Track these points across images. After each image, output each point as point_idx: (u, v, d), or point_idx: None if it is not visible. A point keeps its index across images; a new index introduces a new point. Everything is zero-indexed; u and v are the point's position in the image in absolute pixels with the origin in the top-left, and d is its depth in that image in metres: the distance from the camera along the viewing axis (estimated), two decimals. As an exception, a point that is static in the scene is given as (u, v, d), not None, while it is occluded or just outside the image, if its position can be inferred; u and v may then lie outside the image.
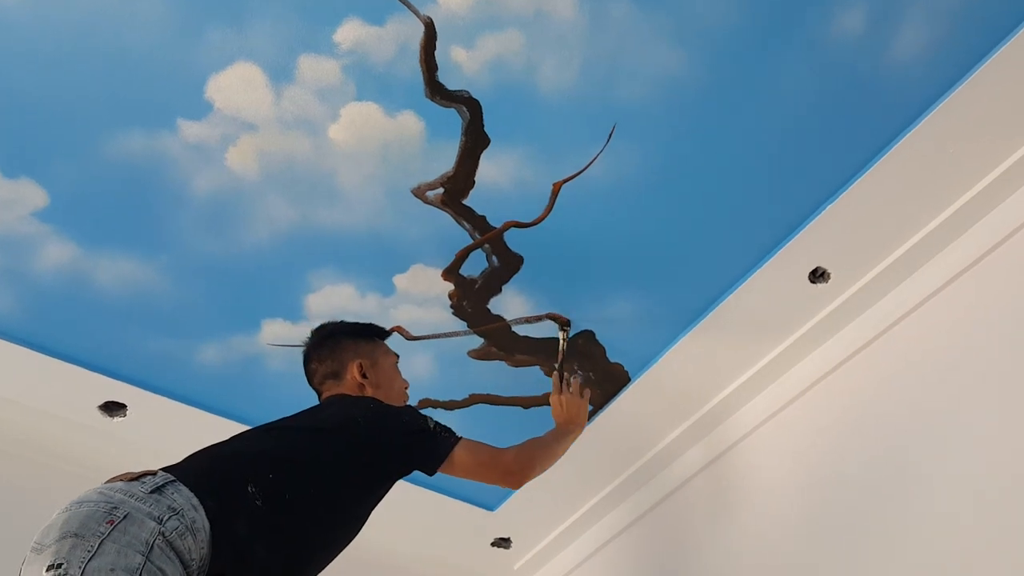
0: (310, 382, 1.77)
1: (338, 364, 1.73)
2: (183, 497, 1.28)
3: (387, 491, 1.60)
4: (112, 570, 1.15)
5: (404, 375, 1.85)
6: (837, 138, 1.70)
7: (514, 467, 1.67)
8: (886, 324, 1.92)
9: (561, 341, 2.05)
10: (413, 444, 1.57)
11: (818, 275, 1.92)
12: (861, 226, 1.83)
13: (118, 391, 2.15)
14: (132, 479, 1.30)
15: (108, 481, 1.31)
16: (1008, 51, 1.55)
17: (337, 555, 1.52)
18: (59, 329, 2.02)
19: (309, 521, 1.43)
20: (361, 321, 1.86)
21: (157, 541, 1.21)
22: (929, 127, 1.66)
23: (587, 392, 2.03)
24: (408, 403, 1.82)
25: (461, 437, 1.62)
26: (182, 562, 1.24)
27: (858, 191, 1.76)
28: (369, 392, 1.71)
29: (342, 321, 1.85)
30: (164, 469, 1.35)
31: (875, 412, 1.87)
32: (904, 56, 1.58)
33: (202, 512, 1.28)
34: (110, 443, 2.28)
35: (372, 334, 1.82)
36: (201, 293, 1.96)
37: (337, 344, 1.76)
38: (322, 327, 1.82)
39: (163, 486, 1.28)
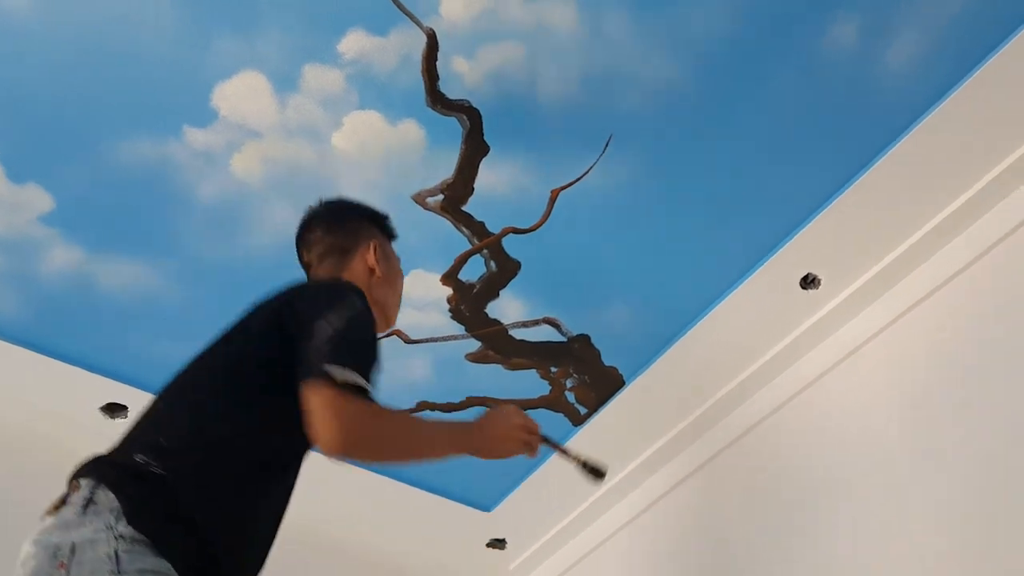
0: (304, 257, 1.49)
1: (350, 241, 1.45)
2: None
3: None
4: None
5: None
6: (829, 147, 1.74)
7: (353, 439, 1.14)
8: (876, 329, 1.95)
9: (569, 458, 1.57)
10: (295, 336, 1.21)
11: (809, 281, 1.96)
12: (852, 233, 1.87)
13: (120, 393, 2.18)
14: (57, 507, 1.13)
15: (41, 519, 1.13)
16: (995, 64, 1.59)
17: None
18: (64, 331, 2.05)
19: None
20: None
21: (120, 548, 1.04)
22: (918, 137, 1.70)
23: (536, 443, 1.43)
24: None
25: (340, 376, 1.13)
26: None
27: (849, 199, 1.80)
28: (375, 280, 1.43)
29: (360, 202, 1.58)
30: (83, 475, 1.16)
31: (864, 418, 1.91)
32: (894, 68, 1.62)
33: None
34: (111, 444, 2.30)
35: (386, 223, 1.56)
36: (205, 297, 1.99)
37: (358, 221, 1.49)
38: (335, 199, 1.55)
39: (92, 496, 1.10)
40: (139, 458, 1.14)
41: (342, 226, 1.48)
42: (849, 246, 1.90)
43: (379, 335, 1.32)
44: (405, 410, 1.58)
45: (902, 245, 1.88)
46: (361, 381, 1.14)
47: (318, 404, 1.12)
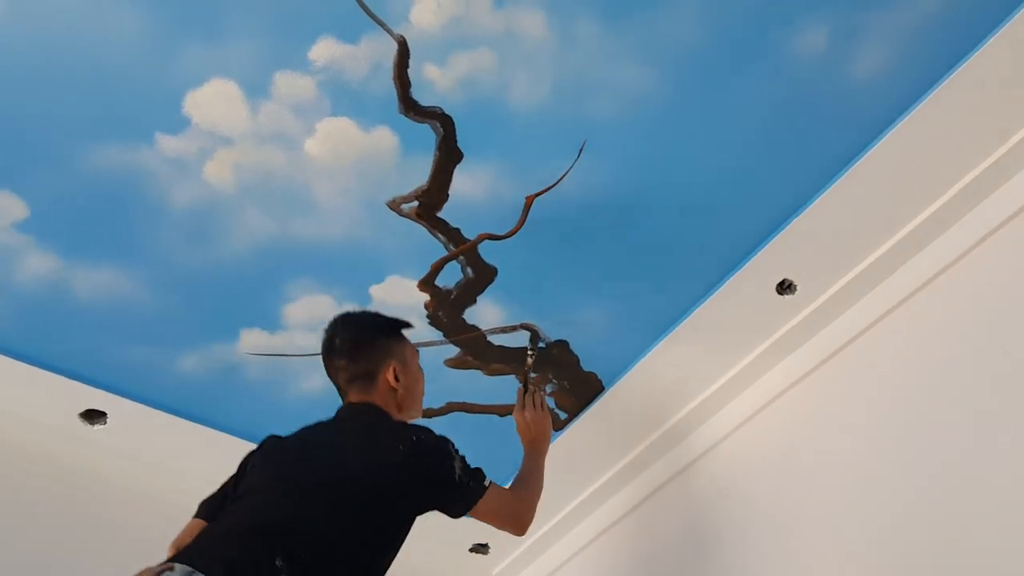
0: (333, 378, 1.70)
1: (372, 365, 1.66)
2: None
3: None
4: None
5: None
6: (802, 152, 1.74)
7: (527, 517, 1.70)
8: (852, 334, 1.96)
9: (529, 357, 2.08)
10: (443, 497, 1.56)
11: (785, 287, 1.97)
12: (827, 239, 1.87)
13: (98, 399, 2.17)
14: None
15: None
16: (967, 70, 1.60)
17: None
18: (40, 338, 2.04)
19: None
20: (382, 313, 1.80)
21: None
22: (892, 143, 1.70)
23: (546, 406, 2.00)
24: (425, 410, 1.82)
25: (488, 486, 1.60)
26: None
27: (823, 204, 1.80)
28: (399, 395, 1.67)
29: (374, 313, 1.79)
30: (180, 559, 1.31)
31: (841, 421, 1.92)
32: (866, 73, 1.62)
33: None
34: (91, 450, 2.30)
35: (400, 328, 1.76)
36: (180, 303, 1.99)
37: (373, 342, 1.69)
38: (352, 319, 1.74)
39: None
40: (279, 563, 1.32)
41: (363, 354, 1.68)
42: (826, 252, 1.90)
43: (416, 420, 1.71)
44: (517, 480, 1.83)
45: (879, 250, 1.90)
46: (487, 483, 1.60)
47: (498, 513, 1.63)
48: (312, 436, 1.61)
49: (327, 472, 1.47)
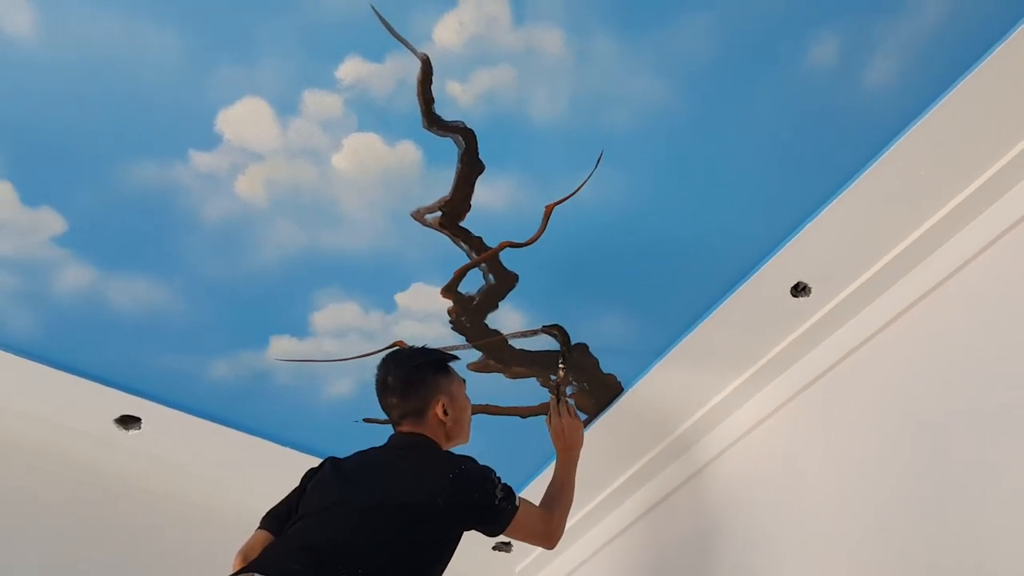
0: (387, 412, 1.82)
1: (422, 402, 1.79)
2: None
3: None
4: None
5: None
6: (816, 158, 1.78)
7: (557, 533, 1.81)
8: (867, 334, 1.99)
9: (560, 367, 2.14)
10: (482, 519, 1.69)
11: (800, 289, 2.01)
12: (841, 242, 1.91)
13: (133, 405, 2.24)
14: None
15: None
16: (977, 76, 1.62)
17: None
18: (77, 347, 2.12)
19: None
20: (428, 347, 1.94)
21: None
22: (904, 148, 1.73)
23: (576, 413, 2.10)
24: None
25: (519, 505, 1.72)
26: None
27: (837, 208, 1.84)
28: (448, 427, 1.80)
29: (422, 349, 1.92)
30: (251, 569, 1.49)
31: (855, 424, 1.94)
32: (878, 81, 1.66)
33: None
34: (126, 455, 2.38)
35: (447, 363, 1.88)
36: (212, 312, 2.06)
37: (423, 381, 1.80)
38: (402, 358, 1.85)
39: None
40: None
41: (413, 391, 1.79)
42: (839, 255, 1.94)
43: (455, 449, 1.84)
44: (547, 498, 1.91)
45: (892, 251, 1.92)
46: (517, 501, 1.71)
47: (529, 530, 1.75)
48: (367, 462, 1.73)
49: (380, 497, 1.61)
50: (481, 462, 1.73)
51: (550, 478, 1.96)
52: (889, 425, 1.86)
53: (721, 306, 2.03)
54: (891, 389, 1.89)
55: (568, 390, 2.27)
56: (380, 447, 1.79)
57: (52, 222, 1.87)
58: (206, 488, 2.48)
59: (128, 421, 2.29)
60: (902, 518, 1.75)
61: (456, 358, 1.91)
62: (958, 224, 1.85)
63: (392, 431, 1.83)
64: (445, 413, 1.79)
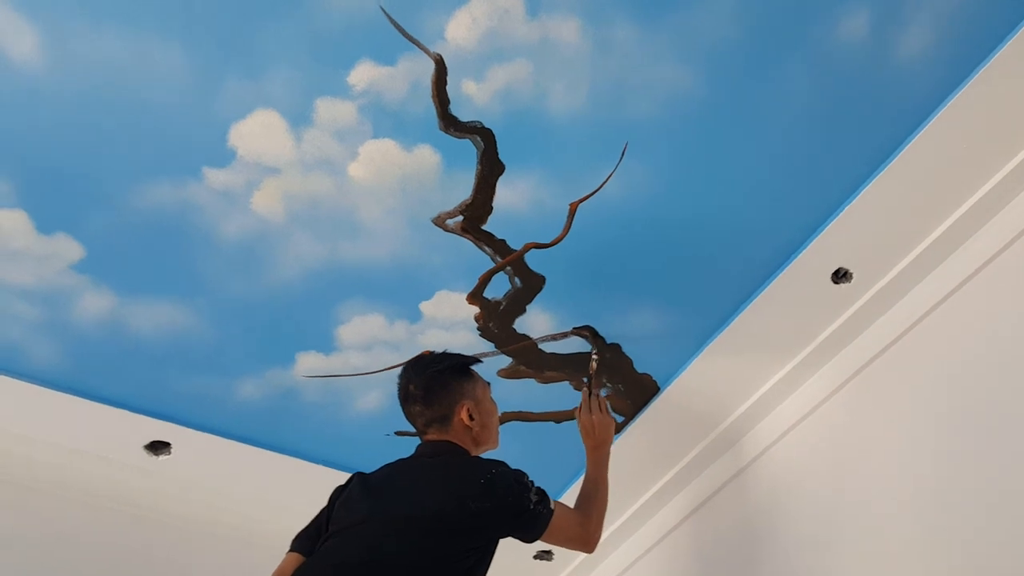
0: (411, 421, 1.78)
1: (446, 408, 1.74)
2: None
3: None
4: None
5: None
6: (851, 139, 1.71)
7: (595, 536, 1.75)
8: (915, 318, 1.91)
9: (593, 360, 2.08)
10: (516, 525, 1.64)
11: (841, 275, 1.93)
12: (880, 224, 1.83)
13: (162, 431, 2.22)
14: None
15: None
16: (1015, 44, 1.55)
17: None
18: (102, 375, 2.09)
19: None
20: (449, 352, 1.86)
21: None
22: (942, 122, 1.66)
23: (608, 409, 2.03)
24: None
25: (554, 509, 1.66)
26: None
27: (875, 190, 1.76)
28: (475, 432, 1.75)
29: (443, 354, 1.84)
30: None
31: (904, 414, 1.87)
32: (911, 55, 1.59)
33: None
34: (157, 481, 2.35)
35: (470, 367, 1.83)
36: (236, 331, 2.02)
37: (445, 386, 1.76)
38: (422, 365, 1.80)
39: None
40: None
41: (436, 398, 1.74)
42: (880, 237, 1.86)
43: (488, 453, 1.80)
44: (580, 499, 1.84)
45: (935, 231, 1.85)
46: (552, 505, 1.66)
47: (566, 534, 1.69)
48: (395, 474, 1.69)
49: (412, 509, 1.57)
50: (513, 468, 1.68)
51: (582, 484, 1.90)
52: (943, 412, 1.78)
53: (758, 297, 1.96)
54: (943, 374, 1.81)
55: (602, 392, 2.21)
56: (407, 458, 1.74)
57: (69, 249, 1.84)
58: (240, 510, 2.45)
59: (158, 447, 2.27)
60: (961, 511, 1.67)
61: (479, 361, 1.85)
62: (1004, 198, 1.77)
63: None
64: (471, 418, 1.74)
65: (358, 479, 1.72)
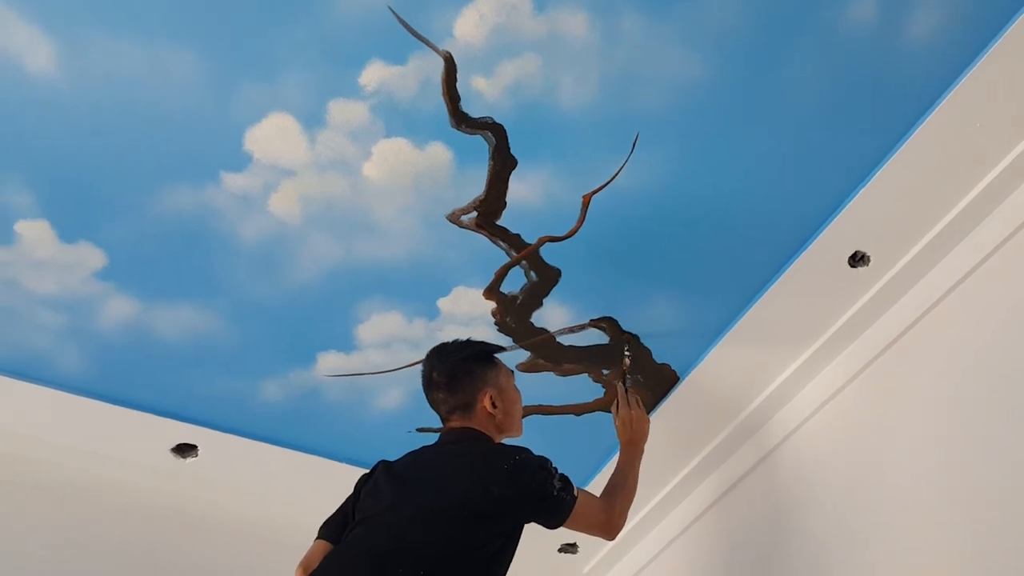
0: (435, 408, 1.79)
1: (469, 396, 1.75)
2: None
3: None
4: None
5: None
6: (862, 122, 1.70)
7: (618, 524, 1.77)
8: (934, 300, 1.90)
9: (625, 357, 2.09)
10: (540, 510, 1.65)
11: (858, 259, 1.92)
12: (896, 206, 1.82)
13: (188, 433, 2.25)
14: None
15: None
16: (1026, 20, 1.54)
17: None
18: (128, 380, 2.13)
19: None
20: (472, 339, 1.86)
21: None
22: (954, 103, 1.65)
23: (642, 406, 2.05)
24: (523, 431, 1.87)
25: (577, 496, 1.67)
26: None
27: (890, 172, 1.75)
28: (498, 419, 1.76)
29: (466, 342, 1.84)
30: None
31: (934, 391, 1.85)
32: (921, 36, 1.58)
33: None
34: (185, 483, 2.38)
35: (493, 354, 1.84)
36: (257, 333, 2.05)
37: (469, 374, 1.76)
38: (446, 352, 1.80)
39: None
40: None
41: (459, 386, 1.75)
42: (896, 220, 1.85)
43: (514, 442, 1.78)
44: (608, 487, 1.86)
45: (952, 212, 1.83)
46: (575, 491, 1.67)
47: (588, 520, 1.71)
48: (419, 462, 1.70)
49: (437, 497, 1.58)
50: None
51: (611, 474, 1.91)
52: (966, 393, 1.77)
53: (776, 283, 1.96)
54: (965, 355, 1.80)
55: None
56: (431, 445, 1.76)
57: (92, 257, 1.87)
58: (267, 510, 2.47)
59: (185, 449, 2.30)
60: (988, 495, 1.65)
61: (502, 348, 1.86)
62: (1021, 175, 1.75)
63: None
64: (494, 406, 1.75)
65: (383, 467, 1.73)
